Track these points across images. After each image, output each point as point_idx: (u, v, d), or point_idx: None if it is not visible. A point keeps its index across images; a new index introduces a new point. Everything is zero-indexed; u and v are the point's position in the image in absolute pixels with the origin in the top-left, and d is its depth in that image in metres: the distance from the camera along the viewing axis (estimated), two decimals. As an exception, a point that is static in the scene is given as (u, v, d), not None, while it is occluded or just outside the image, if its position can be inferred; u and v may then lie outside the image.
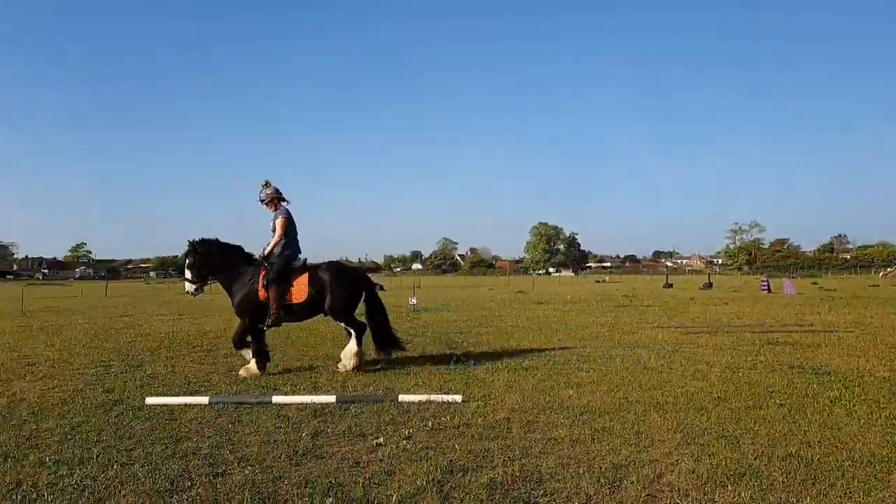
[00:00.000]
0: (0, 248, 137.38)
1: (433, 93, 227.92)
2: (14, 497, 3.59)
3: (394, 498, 3.58)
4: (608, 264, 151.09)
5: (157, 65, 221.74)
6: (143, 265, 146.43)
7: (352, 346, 7.61)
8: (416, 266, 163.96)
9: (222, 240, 7.89)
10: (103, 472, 4.03)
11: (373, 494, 3.64)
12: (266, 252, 7.67)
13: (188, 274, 7.63)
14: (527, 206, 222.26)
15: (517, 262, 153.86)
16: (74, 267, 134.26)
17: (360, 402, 5.95)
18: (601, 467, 4.08)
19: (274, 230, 7.72)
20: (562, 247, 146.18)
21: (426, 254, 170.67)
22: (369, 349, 8.18)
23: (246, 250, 7.95)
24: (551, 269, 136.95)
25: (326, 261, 7.96)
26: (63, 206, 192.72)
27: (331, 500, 3.56)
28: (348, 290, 7.69)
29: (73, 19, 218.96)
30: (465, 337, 11.44)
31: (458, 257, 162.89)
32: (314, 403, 5.86)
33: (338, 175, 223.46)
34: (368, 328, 7.92)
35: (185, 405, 5.86)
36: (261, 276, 7.47)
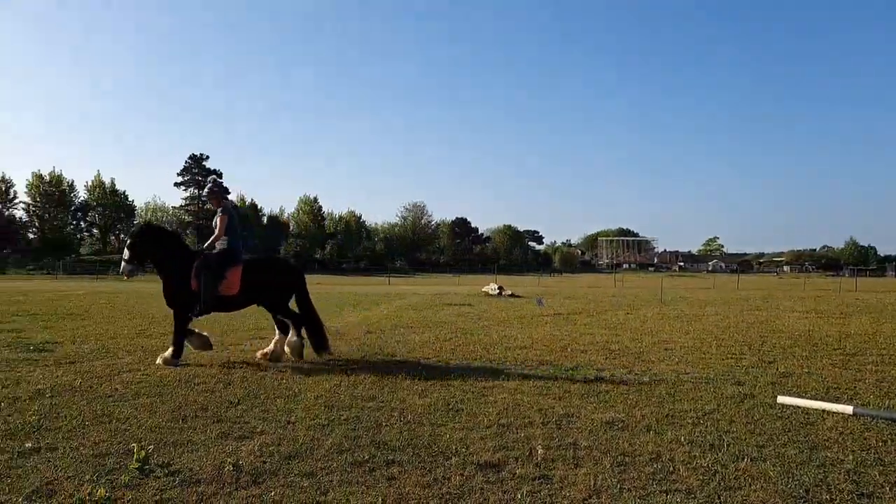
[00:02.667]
0: (643, 243, 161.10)
1: None
2: (654, 466, 4.13)
3: None
4: None
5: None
6: (777, 259, 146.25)
7: (293, 338, 8.24)
8: None
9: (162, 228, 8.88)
10: (733, 461, 4.19)
11: None
12: (206, 246, 8.24)
13: (126, 253, 8.17)
14: None
15: None
16: (707, 260, 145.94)
17: None
18: None
19: (215, 226, 8.21)
20: None
21: None
22: None
23: (184, 241, 8.76)
24: None
25: (262, 255, 8.94)
26: (696, 203, 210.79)
27: None
28: (279, 282, 8.32)
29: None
30: None
31: None
32: None
33: None
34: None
35: (823, 411, 5.53)
36: (195, 267, 7.89)
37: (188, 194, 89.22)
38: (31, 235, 78.64)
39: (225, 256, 8.02)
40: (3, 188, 76.80)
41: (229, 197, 8.91)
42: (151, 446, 4.32)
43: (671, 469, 4.05)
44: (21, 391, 6.17)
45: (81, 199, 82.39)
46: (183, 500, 3.53)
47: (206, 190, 9.07)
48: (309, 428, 4.99)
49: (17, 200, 78.16)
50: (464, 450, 4.45)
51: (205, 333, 8.35)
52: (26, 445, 4.43)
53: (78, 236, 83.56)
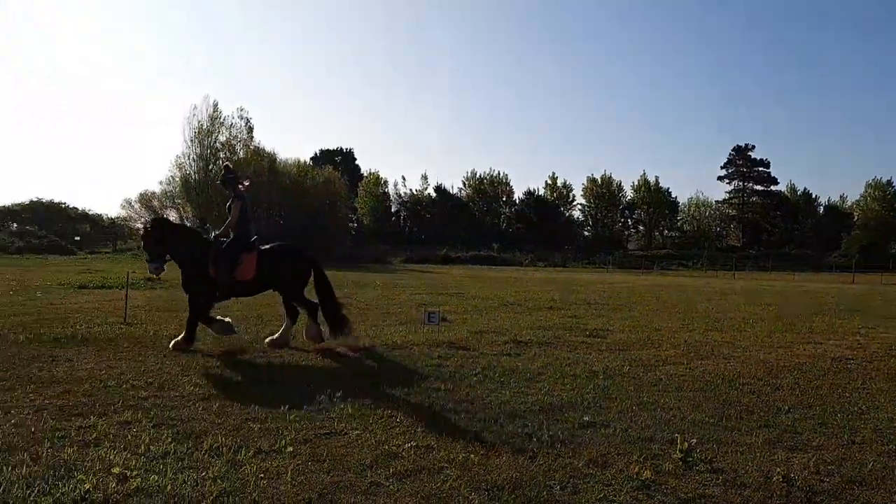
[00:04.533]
0: None
1: None
2: None
3: None
4: None
5: None
6: None
7: (310, 325, 8.65)
8: None
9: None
10: None
11: None
12: (219, 233, 8.74)
13: (145, 254, 8.72)
14: None
15: None
16: None
17: None
18: None
19: (229, 212, 8.65)
20: None
21: None
22: None
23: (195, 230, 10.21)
24: None
25: (277, 244, 8.99)
26: None
27: None
28: (294, 270, 8.77)
29: None
30: None
31: None
32: None
33: None
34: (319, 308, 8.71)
35: None
36: (210, 254, 8.36)
37: (732, 187, 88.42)
38: (585, 233, 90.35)
39: (239, 243, 8.53)
40: (565, 193, 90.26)
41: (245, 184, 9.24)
42: (694, 440, 4.42)
43: None
44: (579, 370, 7.13)
45: (628, 197, 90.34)
46: (727, 501, 3.50)
47: (220, 179, 9.30)
48: (881, 454, 4.35)
49: (575, 203, 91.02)
50: None
51: (227, 319, 8.79)
52: (584, 419, 5.09)
53: (626, 233, 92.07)
